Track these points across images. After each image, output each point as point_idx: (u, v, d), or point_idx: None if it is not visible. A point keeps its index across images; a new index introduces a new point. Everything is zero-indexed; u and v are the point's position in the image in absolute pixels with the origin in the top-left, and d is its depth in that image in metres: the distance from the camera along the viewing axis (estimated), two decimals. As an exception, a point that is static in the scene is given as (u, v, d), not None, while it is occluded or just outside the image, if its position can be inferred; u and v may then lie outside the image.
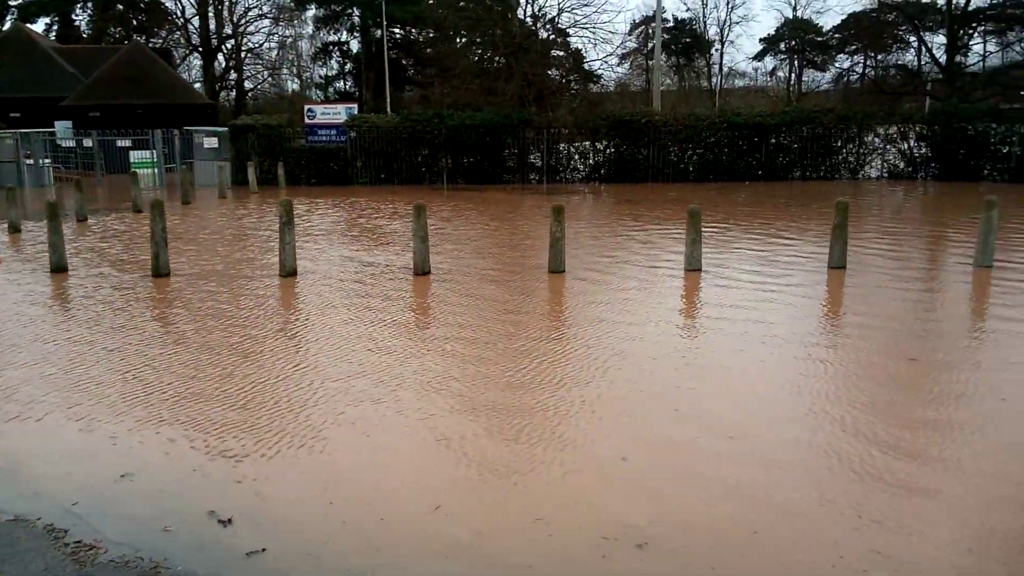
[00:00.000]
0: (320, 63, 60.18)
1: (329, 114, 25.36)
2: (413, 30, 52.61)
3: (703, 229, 10.51)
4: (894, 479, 4.21)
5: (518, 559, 3.52)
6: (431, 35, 46.76)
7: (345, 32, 58.04)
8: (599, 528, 3.74)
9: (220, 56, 54.43)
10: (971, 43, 46.79)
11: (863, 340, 6.95)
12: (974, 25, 42.63)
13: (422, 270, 10.30)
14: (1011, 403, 5.36)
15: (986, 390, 5.67)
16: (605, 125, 24.47)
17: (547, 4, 28.34)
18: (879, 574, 3.33)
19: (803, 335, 7.11)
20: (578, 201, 20.20)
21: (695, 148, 24.22)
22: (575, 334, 7.36)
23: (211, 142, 26.39)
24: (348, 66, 59.34)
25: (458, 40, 39.13)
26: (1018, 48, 47.44)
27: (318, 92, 58.60)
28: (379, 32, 47.68)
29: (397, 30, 54.83)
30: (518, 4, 27.84)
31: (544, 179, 25.08)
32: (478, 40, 34.33)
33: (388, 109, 36.60)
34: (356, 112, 26.31)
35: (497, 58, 31.32)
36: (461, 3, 33.16)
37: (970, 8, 31.33)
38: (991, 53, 47.27)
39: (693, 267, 10.19)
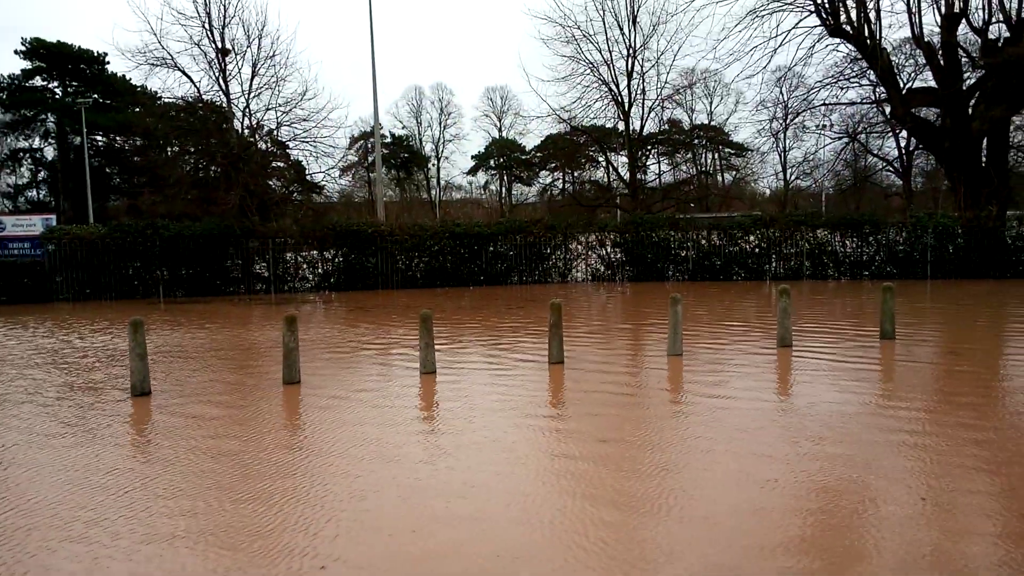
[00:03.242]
0: (8, 170, 54.38)
1: (22, 226, 22.97)
2: (118, 138, 49.63)
3: (435, 333, 10.99)
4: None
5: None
6: (138, 143, 44.36)
7: (39, 138, 53.34)
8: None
9: None
10: (648, 162, 54.33)
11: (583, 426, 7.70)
12: (648, 148, 49.65)
13: (141, 390, 9.62)
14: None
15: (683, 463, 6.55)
16: (332, 234, 24.72)
17: (265, 117, 28.21)
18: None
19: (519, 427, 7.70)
20: (309, 310, 20.02)
21: (421, 256, 25.23)
22: (310, 442, 7.33)
23: None
24: (42, 174, 54.27)
25: (170, 149, 37.57)
26: (684, 168, 55.91)
27: (6, 202, 52.75)
28: (79, 139, 44.34)
29: (100, 137, 51.40)
30: (234, 116, 27.57)
31: (272, 289, 24.56)
32: (192, 150, 33.25)
33: (91, 219, 33.80)
34: (54, 223, 24.07)
35: (215, 168, 30.51)
36: (172, 112, 32.11)
37: (645, 134, 36.45)
38: (664, 172, 55.19)
39: (429, 370, 10.59)
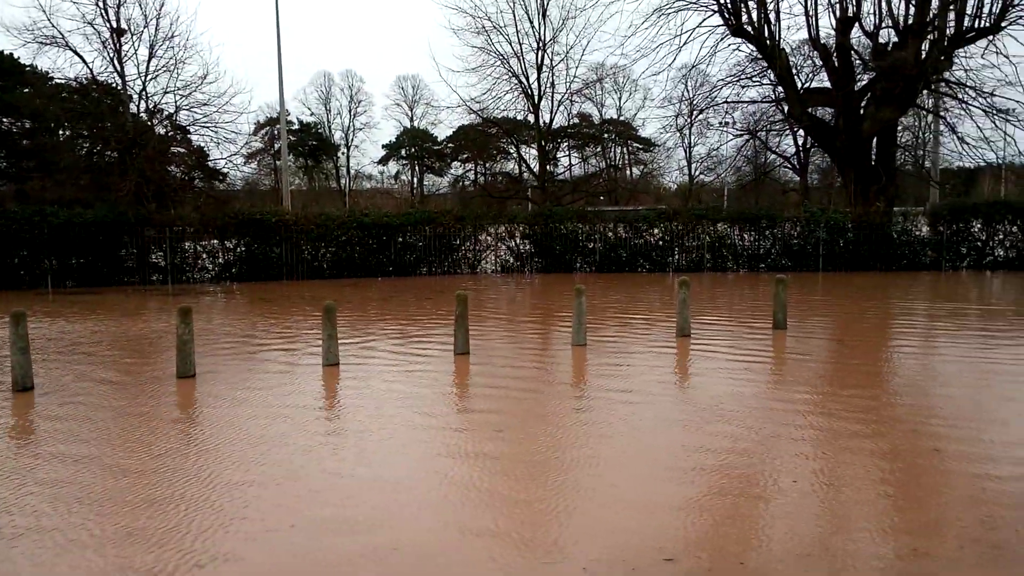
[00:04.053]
0: None
1: None
2: (5, 119, 46.77)
3: (341, 324, 10.82)
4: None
5: None
6: (27, 126, 41.91)
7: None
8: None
9: None
10: (559, 155, 54.87)
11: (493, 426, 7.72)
12: (559, 141, 50.14)
13: (22, 386, 9.11)
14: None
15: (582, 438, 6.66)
16: (234, 223, 23.98)
17: (163, 101, 27.05)
18: None
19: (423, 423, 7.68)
20: (209, 301, 19.37)
21: (327, 246, 24.76)
22: (200, 437, 7.11)
23: None
24: (-85, 157, 50.57)
25: (61, 132, 35.68)
26: (593, 161, 56.77)
27: None
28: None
29: (-17, 119, 48.28)
30: (129, 99, 26.34)
31: (169, 279, 23.64)
32: (85, 133, 31.66)
33: (-29, 205, 31.66)
34: (-71, 208, 22.50)
35: (109, 153, 29.12)
36: (63, 94, 30.46)
37: (555, 127, 36.83)
38: (574, 165, 55.94)
39: (332, 362, 10.40)
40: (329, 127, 68.36)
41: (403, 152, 68.75)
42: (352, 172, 69.57)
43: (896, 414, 7.79)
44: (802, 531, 4.88)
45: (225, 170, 32.37)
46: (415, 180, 69.64)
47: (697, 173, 52.72)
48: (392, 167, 70.20)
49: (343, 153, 68.61)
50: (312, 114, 67.50)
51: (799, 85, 29.44)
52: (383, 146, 68.51)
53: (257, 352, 11.86)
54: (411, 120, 68.58)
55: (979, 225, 24.76)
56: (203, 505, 5.41)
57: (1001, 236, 24.73)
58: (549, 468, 6.17)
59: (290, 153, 62.06)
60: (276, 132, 52.24)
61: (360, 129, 68.33)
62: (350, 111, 68.14)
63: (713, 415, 7.69)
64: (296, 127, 65.96)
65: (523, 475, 5.99)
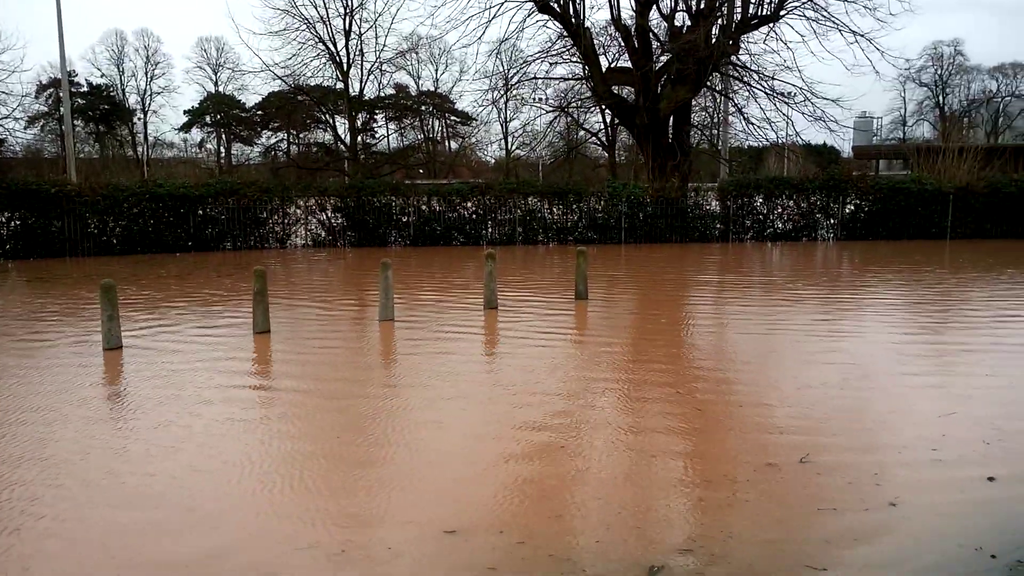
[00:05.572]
0: None
1: None
2: None
3: (128, 304, 10.03)
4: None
5: None
6: None
7: None
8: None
9: None
10: (375, 127, 53.93)
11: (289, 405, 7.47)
12: (375, 112, 49.24)
13: None
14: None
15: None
16: (6, 194, 21.58)
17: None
18: None
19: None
20: (-26, 282, 17.36)
21: (118, 220, 22.88)
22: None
23: None
24: None
25: None
26: (412, 135, 56.35)
27: None
28: None
29: None
30: None
31: (-74, 258, 20.93)
32: None
33: None
34: None
35: None
36: None
37: (370, 97, 36.08)
38: (391, 135, 55.23)
39: (113, 345, 9.64)
40: (123, 90, 63.05)
41: (208, 119, 64.66)
42: (151, 140, 64.69)
43: (693, 373, 8.35)
44: (615, 470, 5.12)
45: (1, 136, 29.04)
46: (222, 149, 65.88)
47: (513, 147, 53.72)
48: (196, 135, 65.90)
49: (139, 119, 63.57)
50: (103, 76, 61.95)
51: (607, 64, 30.60)
52: (185, 112, 64.06)
53: (27, 337, 10.76)
54: (216, 85, 64.68)
55: (761, 200, 26.98)
56: (-58, 512, 4.84)
57: (780, 210, 27.10)
58: (364, 445, 6.07)
59: (78, 117, 56.69)
60: (60, 94, 47.40)
61: (159, 93, 63.56)
62: (147, 73, 63.17)
63: (519, 380, 7.88)
64: (85, 89, 60.29)
65: (310, 454, 5.85)
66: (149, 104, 63.59)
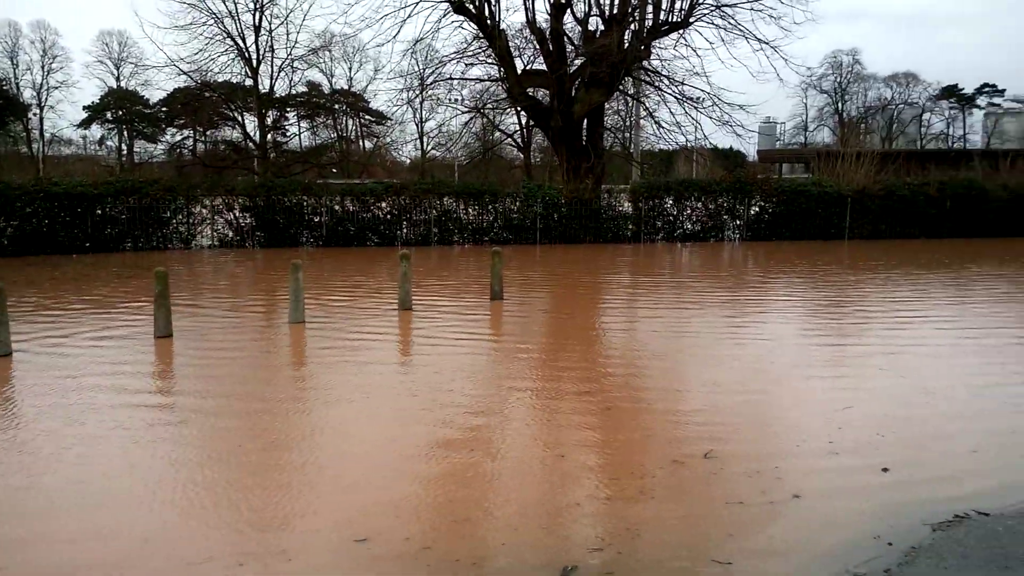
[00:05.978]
0: None
1: None
2: None
3: (18, 308, 9.45)
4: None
5: None
6: None
7: None
8: None
9: None
10: (287, 125, 52.68)
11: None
12: (286, 109, 48.13)
13: None
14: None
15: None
16: None
17: None
18: None
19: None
20: None
21: (9, 220, 21.62)
22: None
23: None
24: None
25: None
26: (325, 133, 55.31)
27: None
28: None
29: None
30: None
31: None
32: None
33: None
34: None
35: None
36: None
37: (281, 95, 35.26)
38: (303, 133, 54.08)
39: (1, 352, 9.07)
40: (17, 85, 59.67)
41: (109, 115, 61.86)
42: (47, 136, 61.45)
43: (603, 373, 8.42)
44: (524, 472, 5.07)
45: None
46: (124, 147, 63.14)
47: (429, 148, 53.36)
48: (96, 131, 62.96)
49: (35, 114, 60.30)
50: (-5, 68, 58.47)
51: (522, 66, 30.72)
52: (85, 108, 61.10)
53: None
54: (118, 80, 61.99)
55: (671, 201, 27.60)
56: None
57: (689, 211, 27.77)
58: (268, 451, 5.85)
59: (-36, 111, 53.33)
60: (-58, 85, 44.49)
61: (56, 88, 60.42)
62: (43, 67, 60.01)
63: (427, 384, 7.78)
64: (-30, 81, 56.82)
65: (224, 454, 5.62)
66: (46, 99, 60.49)
